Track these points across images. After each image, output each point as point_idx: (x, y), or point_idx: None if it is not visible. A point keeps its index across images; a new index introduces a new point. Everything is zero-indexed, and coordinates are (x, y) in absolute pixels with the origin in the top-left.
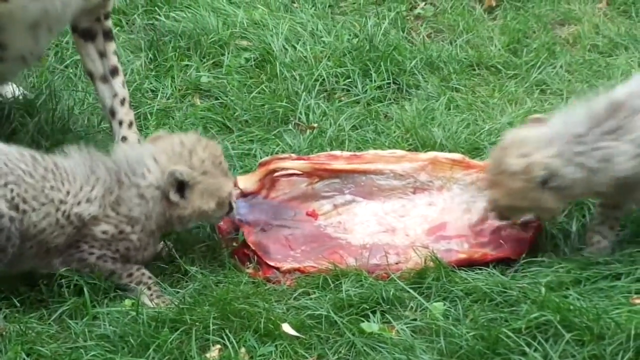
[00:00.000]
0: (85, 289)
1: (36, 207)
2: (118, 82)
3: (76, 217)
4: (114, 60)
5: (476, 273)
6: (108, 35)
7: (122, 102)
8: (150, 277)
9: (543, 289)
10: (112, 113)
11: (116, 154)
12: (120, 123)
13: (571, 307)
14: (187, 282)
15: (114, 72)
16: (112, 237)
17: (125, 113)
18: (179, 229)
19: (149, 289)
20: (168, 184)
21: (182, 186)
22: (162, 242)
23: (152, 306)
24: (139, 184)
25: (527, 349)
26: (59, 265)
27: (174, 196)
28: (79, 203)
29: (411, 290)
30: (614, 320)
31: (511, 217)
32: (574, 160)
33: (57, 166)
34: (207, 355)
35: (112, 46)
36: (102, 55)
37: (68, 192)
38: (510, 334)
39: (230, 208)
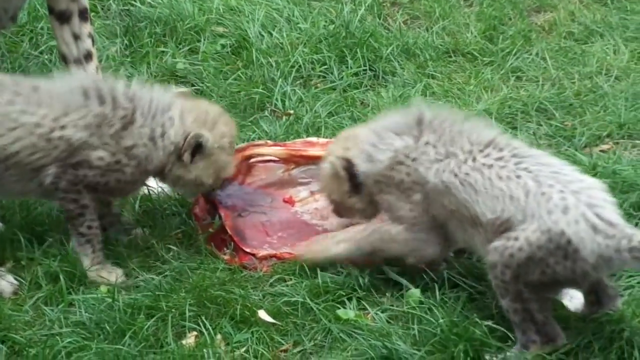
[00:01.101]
0: (61, 276)
1: (1, 132)
2: (92, 67)
3: (62, 141)
4: (88, 43)
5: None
6: (83, 16)
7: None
8: (99, 242)
9: None
10: None
11: (141, 91)
12: None
13: None
14: (163, 268)
15: (87, 56)
16: (108, 165)
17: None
18: (169, 185)
19: (94, 251)
20: (188, 144)
21: (196, 151)
22: (138, 228)
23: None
24: (154, 129)
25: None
26: (48, 180)
27: (187, 157)
28: (62, 127)
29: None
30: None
31: (344, 215)
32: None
33: (35, 90)
34: (183, 341)
35: (87, 28)
36: (77, 37)
37: (45, 116)
38: (484, 321)
39: (215, 209)
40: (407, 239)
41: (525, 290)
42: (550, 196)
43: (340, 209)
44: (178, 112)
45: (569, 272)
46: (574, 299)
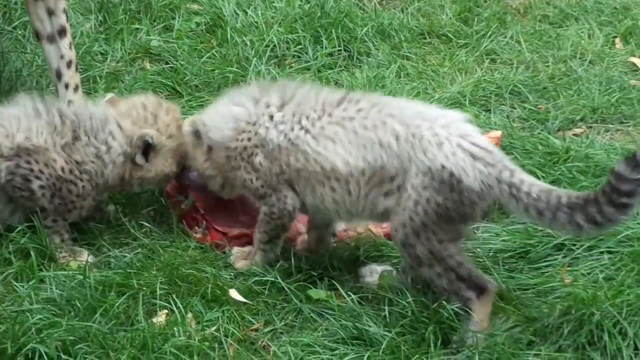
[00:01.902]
0: (32, 253)
1: None
2: (65, 43)
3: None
4: (62, 19)
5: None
6: None
7: (69, 64)
8: (68, 232)
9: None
10: (58, 75)
11: (80, 108)
12: (67, 86)
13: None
14: (134, 245)
15: (61, 32)
16: (63, 171)
17: (71, 76)
18: (137, 189)
19: (62, 241)
20: (136, 147)
21: (147, 149)
22: (110, 205)
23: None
24: (98, 148)
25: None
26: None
27: (140, 159)
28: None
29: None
30: (545, 302)
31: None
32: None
33: None
34: (154, 320)
35: (62, 3)
36: (52, 13)
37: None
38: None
39: (185, 189)
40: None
41: (435, 245)
42: (421, 135)
43: (202, 180)
44: (115, 123)
45: (459, 205)
46: (373, 274)
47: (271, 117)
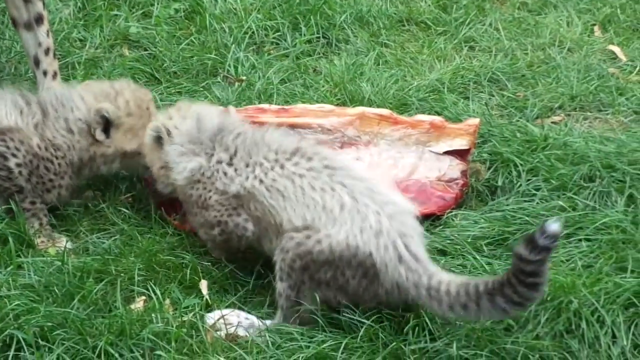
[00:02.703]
0: (10, 239)
1: None
2: (42, 30)
3: None
4: (39, 6)
5: None
6: None
7: (47, 51)
8: (46, 216)
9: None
10: (36, 62)
11: (45, 92)
12: (45, 73)
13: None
14: (112, 232)
15: (38, 20)
16: (39, 148)
17: (49, 63)
18: (104, 170)
19: (41, 225)
20: (94, 121)
21: (107, 126)
22: (88, 191)
23: (37, 243)
24: (67, 117)
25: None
26: None
27: (99, 135)
28: None
29: None
30: None
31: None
32: None
33: None
34: (132, 306)
35: None
36: (28, 0)
37: None
38: None
39: None
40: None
41: (306, 283)
42: (365, 215)
43: (157, 184)
44: (78, 96)
45: (361, 288)
46: None
47: (225, 174)
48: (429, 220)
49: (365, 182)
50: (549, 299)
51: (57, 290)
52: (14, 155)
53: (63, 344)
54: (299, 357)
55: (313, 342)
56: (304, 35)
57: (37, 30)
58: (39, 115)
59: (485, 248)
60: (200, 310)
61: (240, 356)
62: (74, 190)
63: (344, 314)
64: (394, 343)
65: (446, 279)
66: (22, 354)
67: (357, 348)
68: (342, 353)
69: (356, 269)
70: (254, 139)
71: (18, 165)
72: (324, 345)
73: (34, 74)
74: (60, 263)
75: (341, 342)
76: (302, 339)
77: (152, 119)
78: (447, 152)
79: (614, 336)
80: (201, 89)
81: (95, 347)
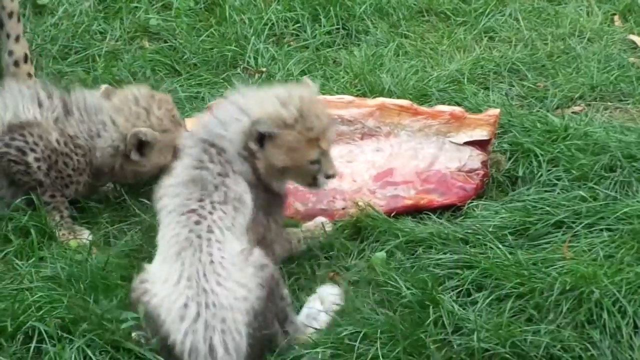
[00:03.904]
0: (32, 231)
1: None
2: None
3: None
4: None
5: (419, 220)
6: None
7: (10, 15)
8: (67, 208)
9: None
10: (0, 25)
11: (74, 92)
12: (8, 36)
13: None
14: (134, 224)
15: (11, 15)
16: (57, 143)
17: (12, 27)
18: (130, 181)
19: (62, 217)
20: (130, 144)
21: (141, 145)
22: (110, 184)
23: (59, 235)
24: (90, 128)
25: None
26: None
27: (135, 156)
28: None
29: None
30: (547, 274)
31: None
32: None
33: None
34: None
35: None
36: None
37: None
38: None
39: None
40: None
41: None
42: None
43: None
44: (108, 116)
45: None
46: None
47: None
48: (450, 210)
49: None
50: (570, 289)
51: (80, 283)
52: (33, 150)
53: (84, 336)
54: (317, 346)
55: (332, 332)
56: (324, 26)
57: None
58: (59, 110)
59: (507, 238)
60: None
61: None
62: (93, 189)
63: (364, 304)
64: (414, 334)
65: None
66: (43, 346)
67: (376, 339)
68: (361, 343)
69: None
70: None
71: (37, 159)
72: (343, 335)
73: None
74: (82, 255)
75: (360, 332)
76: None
77: (178, 124)
78: (468, 143)
79: (635, 326)
80: (221, 80)
81: (116, 340)
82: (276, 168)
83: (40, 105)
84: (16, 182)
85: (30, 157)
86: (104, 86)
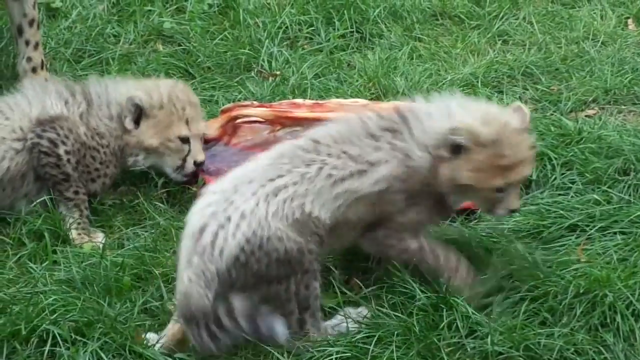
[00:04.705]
0: (45, 234)
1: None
2: (29, 2)
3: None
4: None
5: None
6: None
7: (31, 22)
8: (86, 208)
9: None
10: (20, 31)
11: (92, 80)
12: (27, 43)
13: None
14: (148, 227)
15: None
16: (86, 137)
17: (32, 34)
18: (131, 163)
19: (81, 216)
20: (127, 109)
21: (139, 117)
22: (123, 186)
23: (74, 236)
24: (109, 107)
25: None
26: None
27: (129, 123)
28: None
29: None
30: (561, 277)
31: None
32: None
33: None
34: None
35: None
36: None
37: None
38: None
39: (195, 175)
40: None
41: None
42: None
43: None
44: (125, 86)
45: None
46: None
47: None
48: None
49: None
50: (583, 292)
51: (94, 286)
52: (64, 143)
53: (99, 340)
54: (332, 350)
55: (345, 335)
56: (338, 29)
57: (24, 1)
58: (84, 105)
59: (521, 241)
60: None
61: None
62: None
63: (377, 307)
64: (428, 337)
65: None
66: (57, 349)
67: (390, 342)
68: (375, 346)
69: None
70: None
71: (67, 152)
72: (357, 338)
73: (16, 41)
74: (96, 258)
75: (374, 335)
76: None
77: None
78: None
79: None
80: (235, 84)
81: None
82: (457, 183)
83: (66, 102)
84: (43, 175)
85: (61, 150)
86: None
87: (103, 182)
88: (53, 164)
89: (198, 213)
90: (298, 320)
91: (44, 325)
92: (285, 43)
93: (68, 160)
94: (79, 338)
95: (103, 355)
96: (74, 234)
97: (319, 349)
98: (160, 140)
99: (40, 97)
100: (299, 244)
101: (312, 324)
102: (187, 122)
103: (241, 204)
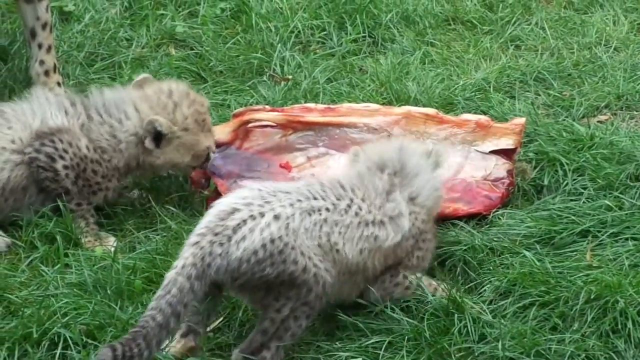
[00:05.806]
0: (57, 237)
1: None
2: (43, 5)
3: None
4: None
5: (445, 228)
6: None
7: (44, 26)
8: (93, 216)
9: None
10: (33, 34)
11: (91, 94)
12: (40, 46)
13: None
14: (160, 230)
15: None
16: (87, 150)
17: (45, 37)
18: (150, 175)
19: (87, 224)
20: (145, 131)
21: (159, 136)
22: (135, 190)
23: (84, 242)
24: (112, 125)
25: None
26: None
27: (149, 144)
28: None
29: None
30: (572, 283)
31: None
32: None
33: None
34: None
35: None
36: None
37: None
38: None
39: (207, 159)
40: None
41: None
42: None
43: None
44: (132, 104)
45: None
46: None
47: None
48: (475, 219)
49: None
50: (595, 298)
51: (105, 289)
52: (62, 157)
53: (109, 343)
54: (342, 355)
55: (357, 340)
56: (350, 34)
57: (38, 4)
58: (84, 116)
59: (532, 247)
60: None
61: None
62: (120, 191)
63: (387, 312)
64: (439, 343)
65: None
66: (68, 352)
67: (401, 347)
68: (385, 351)
69: None
70: None
71: (65, 167)
72: (367, 343)
73: (29, 44)
74: (108, 261)
75: (385, 340)
76: (345, 336)
77: (206, 129)
78: (493, 152)
79: None
80: (247, 88)
81: None
82: None
83: (66, 113)
84: (44, 188)
85: (59, 165)
86: (142, 75)
87: (105, 194)
88: (51, 178)
89: (232, 197)
90: (260, 345)
91: (55, 328)
92: (297, 47)
93: (66, 175)
94: (90, 341)
95: None
96: (84, 239)
97: (328, 354)
98: (191, 156)
99: (41, 108)
100: (318, 269)
101: (271, 356)
102: (209, 130)
103: (278, 207)
